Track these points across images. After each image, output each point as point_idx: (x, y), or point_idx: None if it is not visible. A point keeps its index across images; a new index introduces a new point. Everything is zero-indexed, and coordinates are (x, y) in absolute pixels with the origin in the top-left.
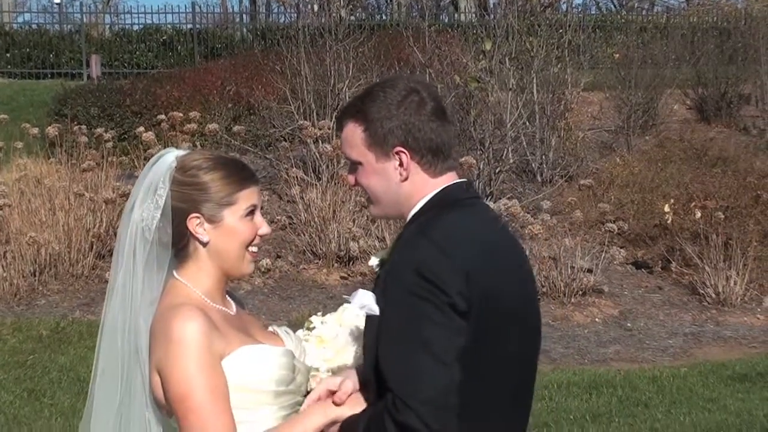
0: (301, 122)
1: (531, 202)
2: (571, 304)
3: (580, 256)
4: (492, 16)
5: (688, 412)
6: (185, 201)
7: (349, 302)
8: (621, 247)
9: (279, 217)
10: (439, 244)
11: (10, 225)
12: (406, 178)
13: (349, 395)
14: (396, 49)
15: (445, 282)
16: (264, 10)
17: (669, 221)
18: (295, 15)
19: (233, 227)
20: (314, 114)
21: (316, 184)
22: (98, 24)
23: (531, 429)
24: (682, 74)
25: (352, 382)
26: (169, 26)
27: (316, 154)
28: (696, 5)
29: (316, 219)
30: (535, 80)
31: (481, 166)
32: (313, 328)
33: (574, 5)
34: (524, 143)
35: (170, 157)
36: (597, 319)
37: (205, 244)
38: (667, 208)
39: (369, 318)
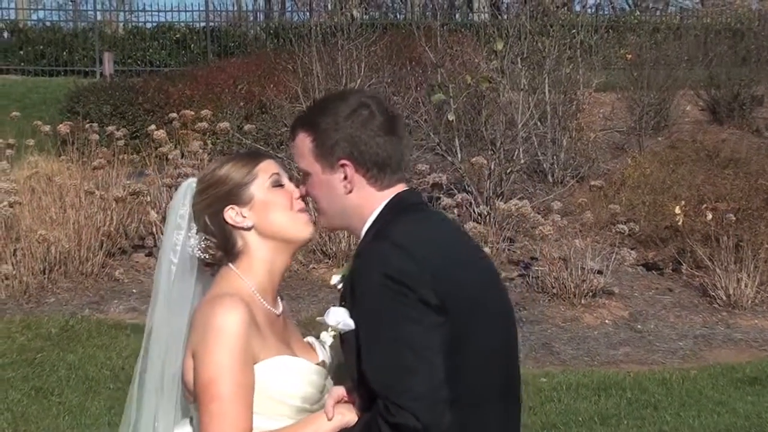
0: None
1: (542, 202)
2: (581, 305)
3: (591, 258)
4: (505, 16)
5: (698, 414)
6: (214, 202)
7: (324, 322)
8: (632, 249)
9: None
10: (401, 244)
11: (21, 222)
12: (350, 191)
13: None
14: (408, 49)
15: (414, 280)
16: (278, 9)
17: (680, 223)
18: (308, 13)
19: (267, 199)
20: None
21: None
22: (112, 22)
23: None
24: (694, 75)
25: (341, 389)
26: (182, 24)
27: None
28: (710, 6)
29: None
30: (547, 80)
31: (492, 166)
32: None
33: (587, 5)
34: (535, 143)
35: (187, 182)
36: (607, 321)
37: (250, 229)
38: (677, 210)
39: (345, 336)
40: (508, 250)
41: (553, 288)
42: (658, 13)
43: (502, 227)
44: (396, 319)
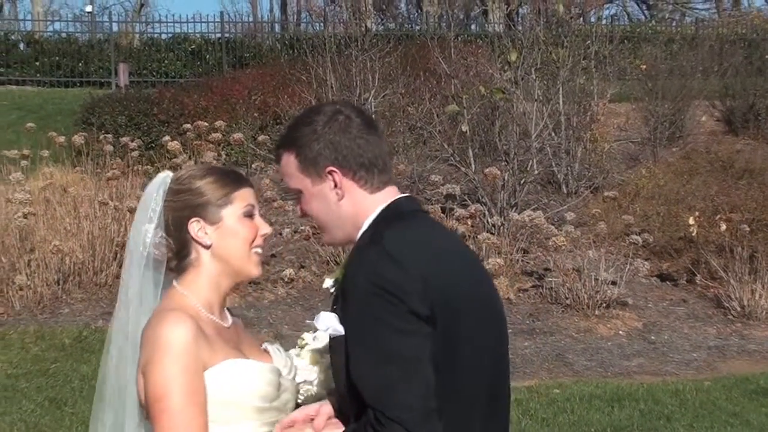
0: None
1: (556, 213)
2: (595, 316)
3: (604, 268)
4: (519, 27)
5: (711, 426)
6: (183, 208)
7: (314, 325)
8: (645, 260)
9: (303, 227)
10: (391, 254)
11: (35, 233)
12: (342, 197)
13: (328, 419)
14: (422, 60)
15: (403, 290)
16: (294, 20)
17: (694, 234)
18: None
19: (234, 227)
20: None
21: None
22: (128, 33)
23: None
24: (709, 86)
25: (329, 407)
26: (198, 35)
27: None
28: (726, 16)
29: None
30: (561, 91)
31: (506, 177)
32: (306, 344)
33: (603, 16)
34: (549, 154)
35: (163, 174)
36: (621, 332)
37: (208, 247)
38: (692, 221)
39: (335, 340)
40: (522, 261)
41: (567, 299)
42: (673, 23)
43: (516, 238)
44: (384, 329)
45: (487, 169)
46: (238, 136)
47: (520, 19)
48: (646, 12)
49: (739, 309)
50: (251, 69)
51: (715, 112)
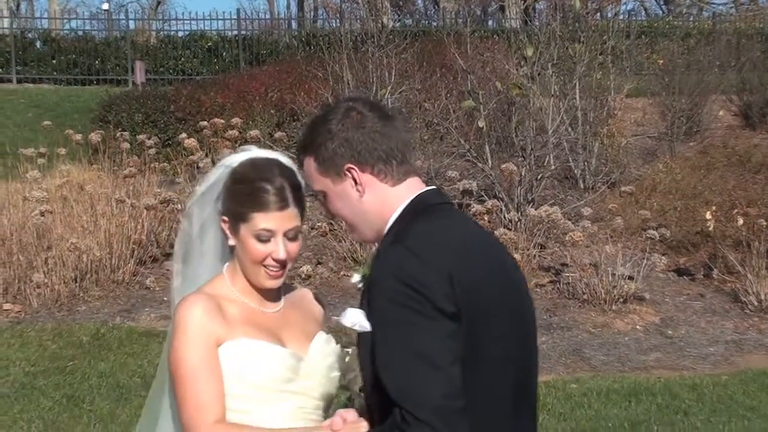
0: None
1: (572, 208)
2: (612, 311)
3: (621, 263)
4: (536, 23)
5: (728, 420)
6: (223, 201)
7: (340, 322)
8: (662, 254)
9: (320, 224)
10: (416, 251)
11: (52, 231)
12: (364, 193)
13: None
14: (438, 56)
15: (429, 288)
16: (311, 17)
17: (711, 228)
18: (339, 21)
19: (245, 244)
20: None
21: None
22: (145, 30)
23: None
24: (726, 80)
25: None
26: (214, 33)
27: None
28: (744, 11)
29: None
30: (577, 86)
31: (523, 173)
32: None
33: (620, 11)
34: (566, 149)
35: (242, 154)
36: (638, 327)
37: (232, 247)
38: (709, 215)
39: (361, 336)
40: (539, 256)
41: (584, 294)
42: (690, 18)
43: (533, 233)
44: (411, 330)
45: (504, 165)
46: (254, 132)
47: (536, 14)
48: (663, 7)
49: (756, 303)
50: (268, 66)
51: (732, 107)
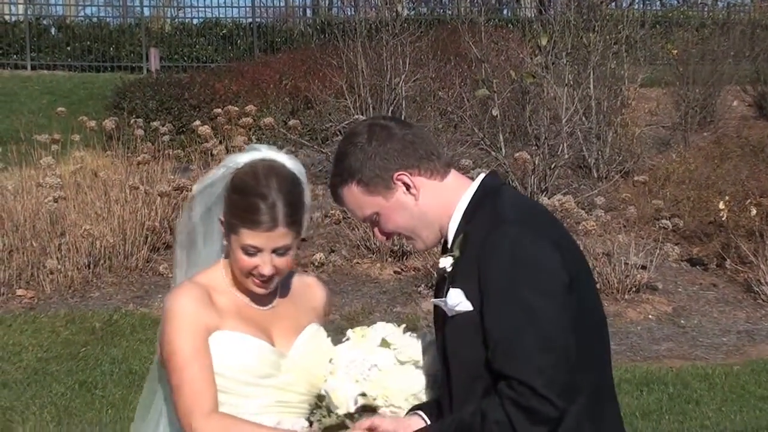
0: (357, 117)
1: (586, 197)
2: (625, 300)
3: (634, 253)
4: (551, 12)
5: (740, 410)
6: (223, 202)
7: (442, 303)
8: (675, 244)
9: (333, 211)
10: (523, 225)
11: (66, 217)
12: (418, 196)
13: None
14: (453, 44)
15: (546, 260)
16: (326, 4)
17: (724, 218)
18: (354, 9)
19: (234, 251)
20: (370, 108)
21: None
22: (160, 17)
23: None
24: (741, 70)
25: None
26: (229, 20)
27: None
28: (758, 1)
29: None
30: (591, 76)
31: (536, 162)
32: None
33: (635, 1)
34: (580, 139)
35: (250, 154)
36: (650, 316)
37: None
38: (722, 205)
39: (461, 316)
40: None
41: (597, 283)
42: (705, 8)
43: None
44: (532, 306)
45: (518, 154)
46: (268, 120)
47: (551, 3)
48: None
49: None
50: (282, 54)
51: (746, 97)
